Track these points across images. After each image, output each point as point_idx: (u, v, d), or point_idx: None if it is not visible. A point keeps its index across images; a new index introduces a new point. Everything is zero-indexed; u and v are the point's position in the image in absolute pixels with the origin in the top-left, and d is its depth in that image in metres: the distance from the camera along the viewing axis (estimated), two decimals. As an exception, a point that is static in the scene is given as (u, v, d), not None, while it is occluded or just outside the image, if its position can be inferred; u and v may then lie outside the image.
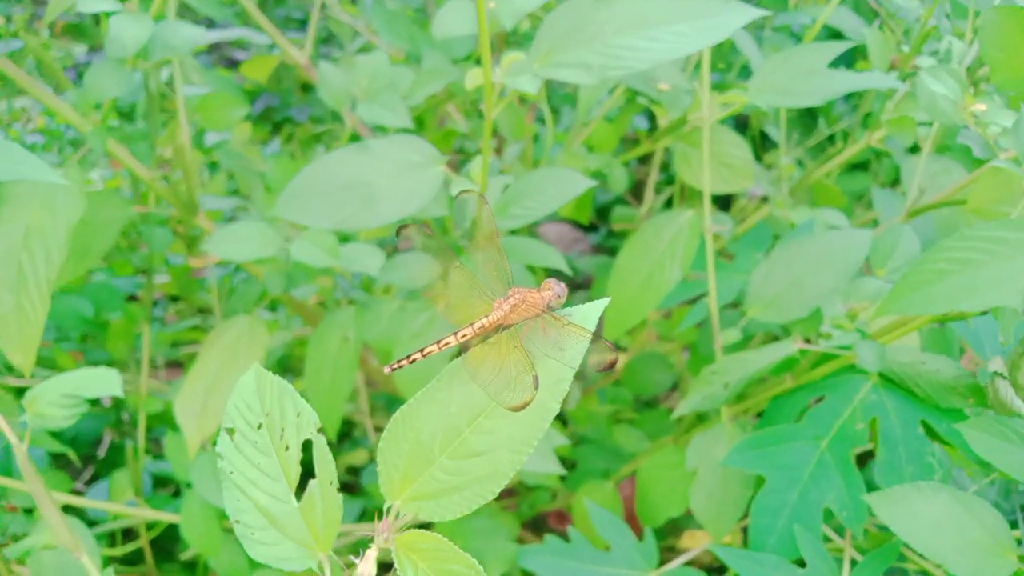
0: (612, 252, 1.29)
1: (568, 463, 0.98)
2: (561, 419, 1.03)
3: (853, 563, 0.63)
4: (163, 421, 0.97)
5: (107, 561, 0.84)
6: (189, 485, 0.77)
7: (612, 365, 0.38)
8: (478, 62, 0.72)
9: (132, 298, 1.11)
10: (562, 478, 0.95)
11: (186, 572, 0.92)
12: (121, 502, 0.86)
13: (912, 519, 0.55)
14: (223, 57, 1.54)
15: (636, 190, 1.28)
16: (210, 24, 1.22)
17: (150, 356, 0.97)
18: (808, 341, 0.70)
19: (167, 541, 0.92)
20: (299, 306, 0.88)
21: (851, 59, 1.04)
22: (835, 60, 0.74)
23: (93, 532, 0.71)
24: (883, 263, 0.68)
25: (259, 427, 0.38)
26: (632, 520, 0.82)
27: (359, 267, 0.70)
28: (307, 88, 1.20)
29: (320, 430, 0.38)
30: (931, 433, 0.63)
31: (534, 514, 1.00)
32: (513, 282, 0.43)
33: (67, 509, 0.68)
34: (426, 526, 0.37)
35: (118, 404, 1.02)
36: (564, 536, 0.73)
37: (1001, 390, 0.57)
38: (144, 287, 0.97)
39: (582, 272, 1.18)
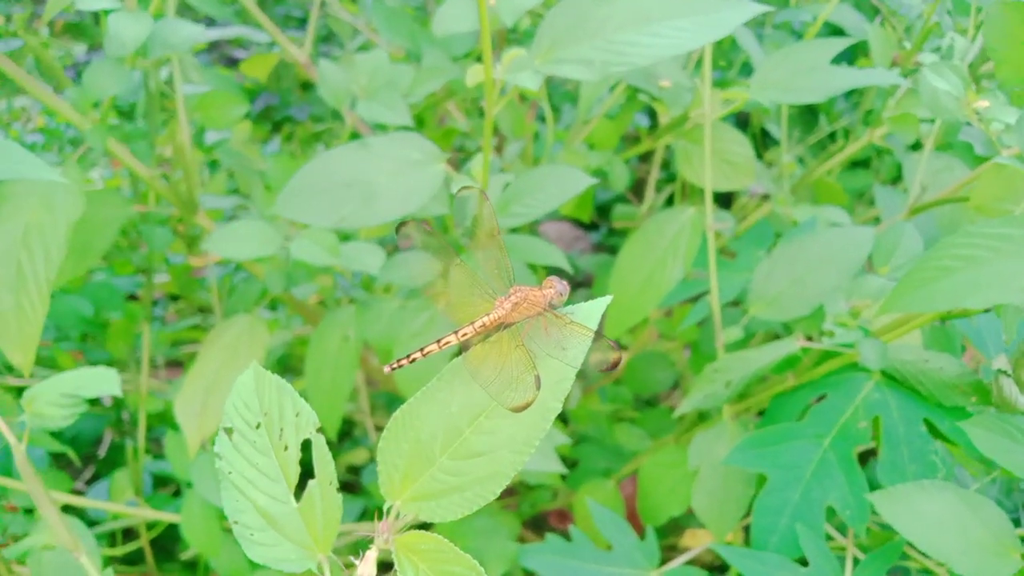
0: (613, 250, 1.29)
1: (569, 462, 0.98)
2: (562, 418, 1.02)
3: (856, 562, 0.63)
4: (163, 420, 0.97)
5: (107, 561, 0.84)
6: (189, 485, 0.77)
7: (615, 365, 0.37)
8: (478, 60, 0.72)
9: (132, 297, 1.11)
10: (563, 477, 0.95)
11: (186, 572, 0.92)
12: (121, 502, 0.85)
13: (915, 518, 0.55)
14: (223, 55, 1.54)
15: (637, 188, 1.28)
16: (210, 22, 1.21)
17: (150, 355, 0.96)
18: (810, 339, 0.70)
19: (167, 541, 0.92)
20: (299, 305, 0.88)
21: (852, 56, 1.03)
22: (836, 57, 0.74)
23: (93, 532, 0.71)
24: (885, 261, 0.68)
25: (257, 427, 0.38)
26: (633, 519, 0.81)
27: (359, 266, 0.70)
28: (307, 86, 1.19)
29: (320, 429, 0.37)
30: (934, 431, 0.63)
31: (535, 513, 1.00)
32: (514, 280, 0.43)
33: (67, 509, 0.68)
34: (426, 526, 0.37)
35: (118, 403, 1.02)
36: (565, 535, 0.73)
37: (1005, 388, 0.57)
38: (144, 286, 0.97)
39: (583, 271, 1.17)
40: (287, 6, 1.31)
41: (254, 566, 0.75)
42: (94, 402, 0.92)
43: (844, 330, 0.66)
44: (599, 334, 0.38)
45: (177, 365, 1.13)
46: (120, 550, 0.84)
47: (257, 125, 1.16)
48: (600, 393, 1.05)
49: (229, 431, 0.38)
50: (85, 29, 1.09)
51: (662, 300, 0.79)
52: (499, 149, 0.95)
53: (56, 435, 0.85)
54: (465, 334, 0.42)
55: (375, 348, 0.90)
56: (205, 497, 0.75)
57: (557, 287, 0.41)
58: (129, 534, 0.91)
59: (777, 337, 0.86)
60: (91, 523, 0.85)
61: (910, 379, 0.64)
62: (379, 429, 1.00)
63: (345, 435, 1.08)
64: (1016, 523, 0.68)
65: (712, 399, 0.71)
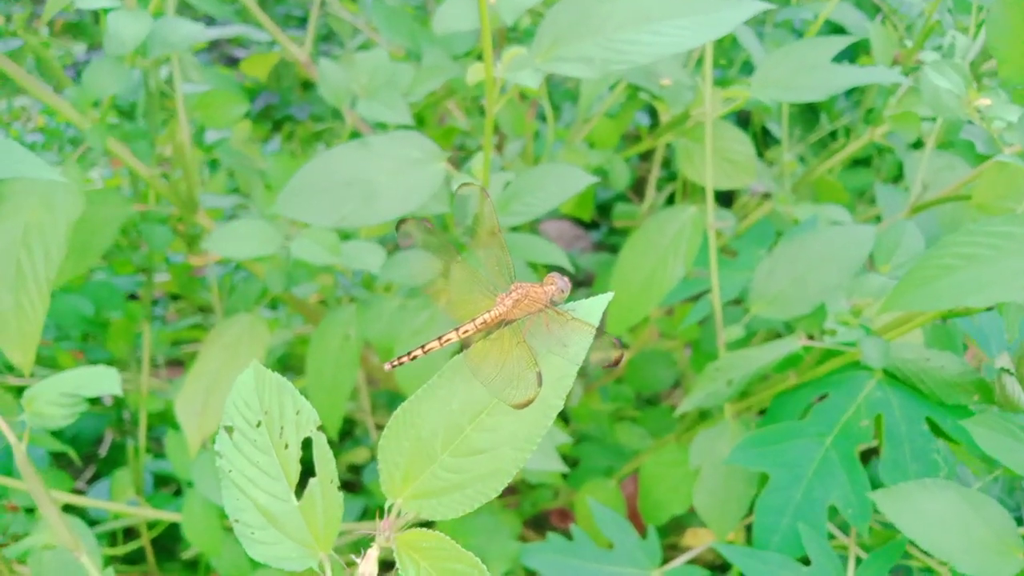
0: (614, 249, 1.29)
1: (570, 461, 0.98)
2: (563, 417, 1.02)
3: (858, 561, 0.63)
4: (164, 420, 0.97)
5: (108, 560, 0.84)
6: (190, 484, 0.76)
7: (617, 362, 0.37)
8: (479, 58, 0.72)
9: (132, 297, 1.10)
10: (564, 476, 0.95)
11: (187, 571, 0.92)
12: (122, 501, 0.85)
13: (917, 516, 0.54)
14: (223, 55, 1.54)
15: (638, 187, 1.27)
16: (209, 21, 1.21)
17: (151, 355, 0.96)
18: (812, 338, 0.70)
19: (168, 540, 0.92)
20: (300, 304, 0.88)
21: (853, 54, 1.03)
22: (838, 55, 0.74)
23: (94, 531, 0.71)
24: (887, 259, 0.68)
25: (258, 425, 0.38)
26: (635, 518, 0.81)
27: (360, 264, 0.70)
28: (307, 86, 1.19)
29: (320, 428, 0.37)
30: (936, 430, 0.63)
31: (536, 512, 1.00)
32: (515, 277, 0.43)
33: (68, 508, 0.67)
34: (428, 524, 0.37)
35: (119, 403, 1.02)
36: (567, 534, 0.72)
37: (1008, 386, 0.57)
38: (144, 285, 0.97)
39: (583, 270, 1.17)
40: (287, 5, 1.31)
41: (255, 565, 0.75)
42: (95, 401, 0.92)
43: (846, 329, 0.66)
44: (601, 331, 0.38)
45: (178, 364, 1.13)
46: (121, 549, 0.84)
47: (257, 124, 1.16)
48: (601, 392, 1.05)
49: (230, 430, 0.38)
50: (85, 28, 1.10)
51: (663, 299, 0.78)
52: (499, 148, 0.94)
53: (57, 434, 0.85)
54: (466, 331, 0.42)
55: (376, 347, 0.90)
56: (206, 496, 0.75)
57: (558, 283, 0.41)
58: (130, 533, 0.91)
59: (779, 336, 0.86)
60: (92, 522, 0.85)
61: (912, 377, 0.64)
62: (380, 428, 1.00)
63: (346, 434, 1.08)
64: (1019, 522, 0.68)
65: (713, 398, 0.71)
